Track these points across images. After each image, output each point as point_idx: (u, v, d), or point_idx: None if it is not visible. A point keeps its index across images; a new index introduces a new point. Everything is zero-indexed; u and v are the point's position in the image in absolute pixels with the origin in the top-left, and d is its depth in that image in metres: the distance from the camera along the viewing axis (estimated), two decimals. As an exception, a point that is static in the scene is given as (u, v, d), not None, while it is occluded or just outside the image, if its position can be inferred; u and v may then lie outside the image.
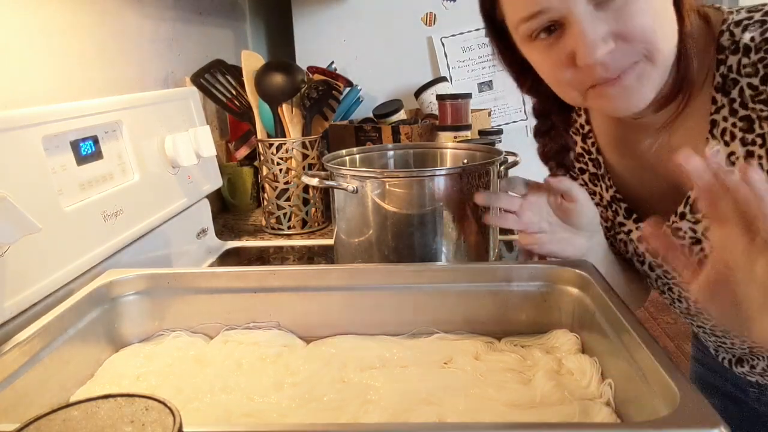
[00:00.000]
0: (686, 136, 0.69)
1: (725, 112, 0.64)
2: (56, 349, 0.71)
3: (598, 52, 0.59)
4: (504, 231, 1.26)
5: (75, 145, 0.87)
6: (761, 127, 0.61)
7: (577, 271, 0.80)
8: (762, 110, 0.60)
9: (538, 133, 0.84)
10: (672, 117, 0.68)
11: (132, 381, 0.75)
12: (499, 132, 1.52)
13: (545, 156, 0.85)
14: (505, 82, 1.89)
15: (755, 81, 0.61)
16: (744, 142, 0.63)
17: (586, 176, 0.87)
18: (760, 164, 0.61)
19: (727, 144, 0.65)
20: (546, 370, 0.72)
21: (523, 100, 1.89)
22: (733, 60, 0.63)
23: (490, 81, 1.89)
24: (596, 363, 0.71)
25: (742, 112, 0.62)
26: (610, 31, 0.59)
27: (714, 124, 0.65)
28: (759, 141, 0.62)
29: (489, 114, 1.81)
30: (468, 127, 1.47)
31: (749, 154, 0.63)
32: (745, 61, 0.61)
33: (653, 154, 0.75)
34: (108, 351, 0.81)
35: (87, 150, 0.90)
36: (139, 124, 1.03)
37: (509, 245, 1.21)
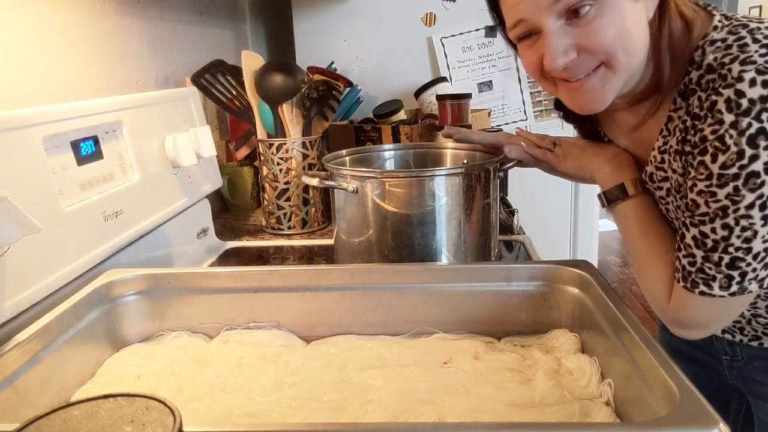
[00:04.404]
0: (650, 131, 0.79)
1: (681, 112, 0.73)
2: (56, 349, 0.71)
3: (559, 61, 0.69)
4: (504, 231, 1.26)
5: (75, 145, 0.87)
6: (693, 135, 0.69)
7: (577, 271, 0.80)
8: (695, 123, 0.69)
9: (558, 104, 0.93)
10: (645, 118, 0.78)
11: (132, 381, 0.75)
12: (498, 132, 1.52)
13: (568, 119, 0.95)
14: (505, 82, 1.90)
15: (703, 96, 0.68)
16: (678, 141, 0.73)
17: None
18: (685, 162, 0.72)
19: (670, 133, 0.75)
20: (546, 370, 0.72)
21: (523, 100, 1.89)
22: (695, 74, 0.70)
23: (490, 81, 1.89)
24: (596, 363, 0.71)
25: (687, 119, 0.71)
26: (574, 43, 0.69)
27: (670, 119, 0.75)
28: (687, 148, 0.71)
29: (489, 114, 1.81)
30: (468, 128, 1.47)
31: (677, 153, 0.73)
32: (703, 76, 0.69)
33: (627, 146, 0.87)
34: (108, 351, 0.82)
35: (87, 150, 0.90)
36: (139, 124, 1.03)
37: (509, 245, 1.21)
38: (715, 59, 0.67)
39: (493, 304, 0.83)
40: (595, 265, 0.86)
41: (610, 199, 0.84)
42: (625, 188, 0.83)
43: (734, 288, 0.68)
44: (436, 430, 0.59)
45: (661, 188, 0.80)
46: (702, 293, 0.69)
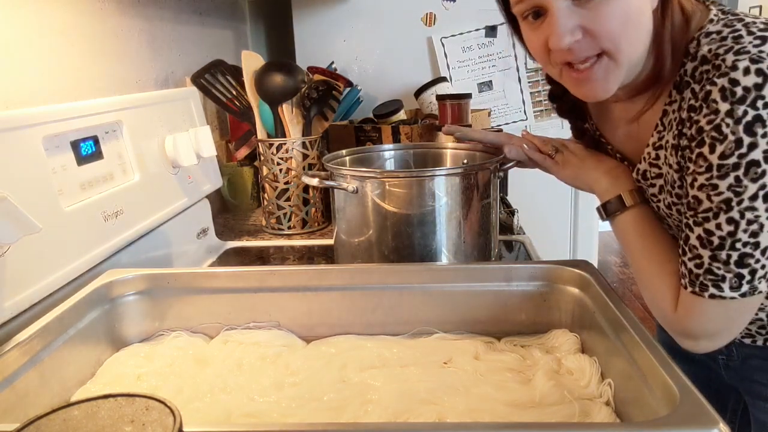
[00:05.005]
0: (646, 125, 0.79)
1: (675, 106, 0.73)
2: (56, 349, 0.71)
3: (565, 40, 0.68)
4: (504, 231, 1.26)
5: (75, 145, 0.87)
6: (689, 128, 0.68)
7: (577, 271, 0.80)
8: (690, 115, 0.68)
9: (552, 97, 0.94)
10: (643, 110, 0.78)
11: (132, 381, 0.75)
12: (499, 132, 1.52)
13: (562, 113, 0.95)
14: (505, 82, 1.90)
15: (696, 87, 0.68)
16: (674, 135, 0.72)
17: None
18: (682, 157, 0.71)
19: (665, 128, 0.75)
20: (546, 370, 0.72)
21: (523, 100, 1.89)
22: (689, 66, 0.70)
23: (490, 81, 1.89)
24: (596, 363, 0.71)
25: (683, 111, 0.70)
26: (580, 24, 0.68)
27: (665, 113, 0.75)
28: (684, 142, 0.70)
29: (489, 114, 1.81)
30: (468, 127, 1.47)
31: (674, 147, 0.72)
32: (697, 68, 0.69)
33: (621, 141, 0.87)
34: (108, 351, 0.82)
35: (87, 150, 0.90)
36: (139, 124, 1.03)
37: (509, 245, 1.21)
38: (710, 50, 0.67)
39: (493, 304, 0.83)
40: (595, 265, 0.86)
41: (609, 212, 0.84)
42: (623, 199, 0.82)
43: (745, 288, 0.67)
44: (436, 430, 0.59)
45: (654, 185, 0.80)
46: (712, 296, 0.68)
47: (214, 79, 1.33)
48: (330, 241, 1.11)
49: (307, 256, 1.23)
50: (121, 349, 0.83)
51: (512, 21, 0.80)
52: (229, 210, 1.61)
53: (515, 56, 1.85)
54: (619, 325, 0.67)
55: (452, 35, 1.86)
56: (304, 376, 0.75)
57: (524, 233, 1.26)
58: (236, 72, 1.34)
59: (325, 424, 0.63)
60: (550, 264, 0.83)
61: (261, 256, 1.23)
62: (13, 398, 0.64)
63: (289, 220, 1.35)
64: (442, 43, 1.87)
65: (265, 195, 1.36)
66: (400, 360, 0.78)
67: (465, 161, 1.11)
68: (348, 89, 1.73)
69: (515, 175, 1.22)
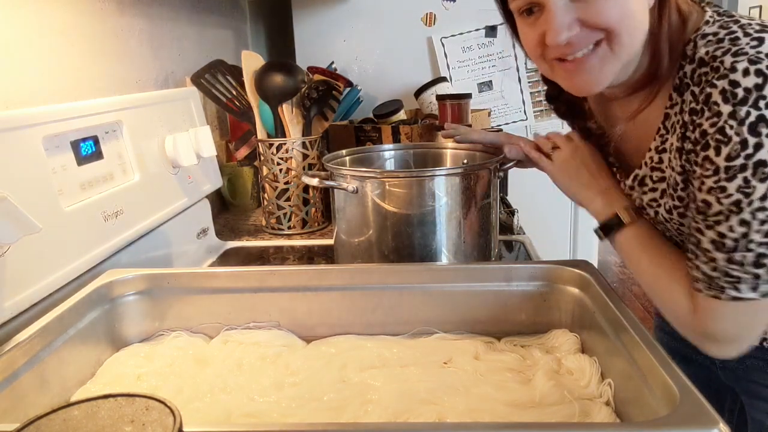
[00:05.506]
0: (645, 126, 0.79)
1: (677, 108, 0.72)
2: (56, 349, 0.71)
3: (562, 36, 0.69)
4: (504, 231, 1.26)
5: (75, 145, 0.87)
6: (692, 131, 0.68)
7: (577, 271, 0.80)
8: (693, 118, 0.68)
9: (549, 98, 0.94)
10: (640, 108, 0.78)
11: (132, 381, 0.75)
12: (499, 132, 1.52)
13: (559, 114, 0.96)
14: (505, 82, 1.90)
15: (696, 90, 0.68)
16: (678, 138, 0.72)
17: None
18: (686, 161, 0.71)
19: (668, 131, 0.74)
20: (546, 370, 0.72)
21: (523, 100, 1.89)
22: (688, 68, 0.70)
23: (490, 81, 1.89)
24: (596, 363, 0.71)
25: (685, 114, 0.70)
26: (576, 18, 0.68)
27: (667, 116, 0.75)
28: (688, 145, 0.70)
29: (489, 114, 1.81)
30: (468, 127, 1.47)
31: (678, 150, 0.72)
32: (696, 71, 0.69)
33: (620, 140, 0.86)
34: (108, 351, 0.82)
35: (87, 150, 0.90)
36: (139, 124, 1.03)
37: (509, 245, 1.21)
38: (707, 53, 0.67)
39: (493, 304, 0.83)
40: (595, 265, 0.86)
41: (607, 231, 0.83)
42: (620, 218, 0.82)
43: (763, 287, 0.66)
44: (436, 430, 0.59)
45: (655, 189, 0.79)
46: (731, 298, 0.67)
47: (214, 79, 1.33)
48: (330, 241, 1.11)
49: (307, 256, 1.23)
50: (121, 349, 0.83)
51: (509, 18, 0.79)
52: (229, 210, 1.61)
53: (515, 56, 1.85)
54: (619, 325, 0.67)
55: (452, 35, 1.86)
56: (304, 376, 0.75)
57: (524, 233, 1.26)
58: (236, 72, 1.34)
59: (325, 424, 0.63)
60: (550, 264, 0.83)
61: (261, 256, 1.23)
62: (13, 398, 0.64)
63: (289, 220, 1.35)
64: (442, 43, 1.87)
65: (265, 195, 1.36)
66: (400, 360, 0.78)
67: (465, 161, 1.11)
68: (348, 89, 1.73)
69: (515, 175, 1.22)
